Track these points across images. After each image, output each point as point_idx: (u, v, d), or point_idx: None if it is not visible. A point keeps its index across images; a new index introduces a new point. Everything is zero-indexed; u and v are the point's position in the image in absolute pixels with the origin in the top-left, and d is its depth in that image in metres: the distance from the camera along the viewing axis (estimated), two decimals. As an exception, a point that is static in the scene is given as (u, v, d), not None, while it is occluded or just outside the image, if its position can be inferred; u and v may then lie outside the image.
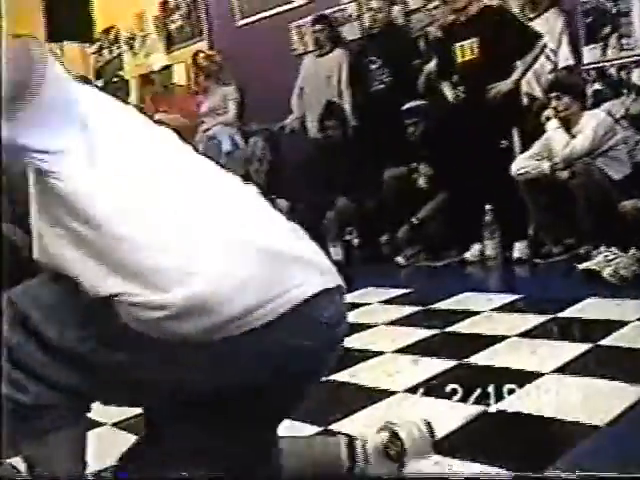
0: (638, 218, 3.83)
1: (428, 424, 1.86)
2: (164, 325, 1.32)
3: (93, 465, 1.63)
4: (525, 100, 5.00)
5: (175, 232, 1.35)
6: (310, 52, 6.34)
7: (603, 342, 2.75)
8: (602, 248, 3.87)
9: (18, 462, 1.60)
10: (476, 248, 4.80)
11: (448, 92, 4.92)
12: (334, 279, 1.49)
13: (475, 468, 1.88)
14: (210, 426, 1.52)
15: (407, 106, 5.21)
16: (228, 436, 1.53)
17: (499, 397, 2.30)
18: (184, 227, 1.36)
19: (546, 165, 4.44)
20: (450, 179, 4.88)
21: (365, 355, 2.84)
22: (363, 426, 2.15)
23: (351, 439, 1.80)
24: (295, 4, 6.70)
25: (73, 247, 1.36)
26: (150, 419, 1.62)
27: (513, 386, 2.37)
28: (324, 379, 2.01)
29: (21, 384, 1.38)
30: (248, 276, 1.35)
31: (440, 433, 2.07)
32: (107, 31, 8.43)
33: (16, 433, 1.41)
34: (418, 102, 5.23)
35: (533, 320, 3.17)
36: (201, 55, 6.68)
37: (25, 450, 1.48)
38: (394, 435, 1.81)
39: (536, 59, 4.73)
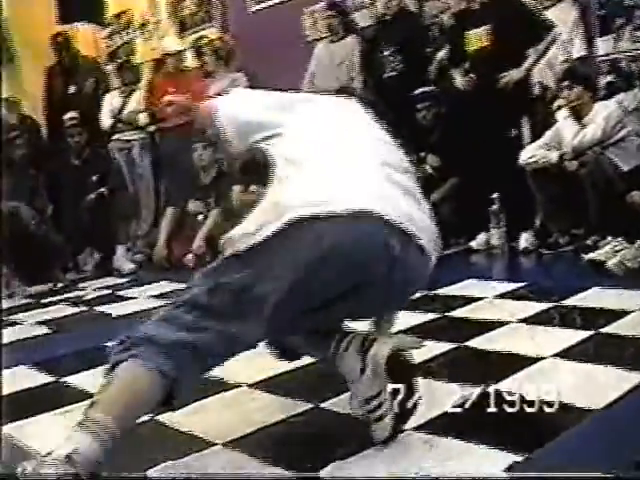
0: (646, 209, 3.79)
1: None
2: None
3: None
4: (537, 89, 4.96)
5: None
6: (322, 38, 6.30)
7: (604, 330, 2.71)
8: (609, 239, 3.84)
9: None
10: (482, 237, 4.78)
11: (459, 79, 4.88)
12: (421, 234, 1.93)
13: (464, 447, 1.86)
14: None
15: (420, 90, 5.20)
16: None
17: (497, 379, 2.27)
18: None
19: (554, 155, 4.39)
20: (459, 167, 4.84)
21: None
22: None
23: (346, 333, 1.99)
24: (308, -10, 6.68)
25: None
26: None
27: (511, 369, 2.36)
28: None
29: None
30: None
31: (436, 413, 2.07)
32: (119, 16, 8.43)
33: None
34: (430, 87, 5.21)
35: (535, 307, 3.13)
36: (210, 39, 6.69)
37: None
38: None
39: (548, 48, 4.69)
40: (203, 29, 7.50)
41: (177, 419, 2.20)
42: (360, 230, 1.80)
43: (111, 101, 6.79)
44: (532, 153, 4.49)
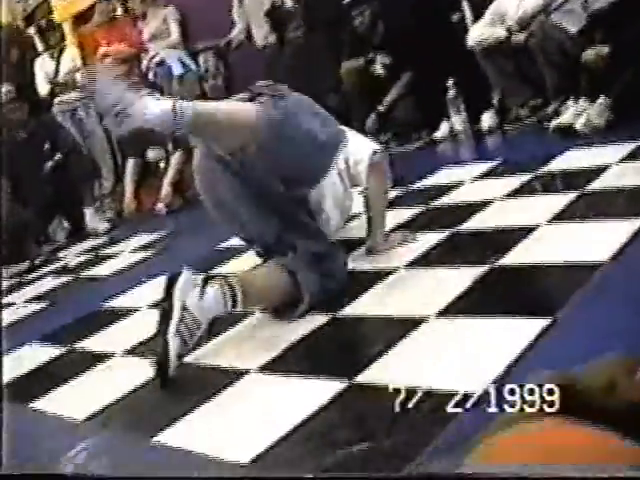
0: (601, 66, 3.81)
1: None
2: None
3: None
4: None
5: None
6: (244, -42, 6.14)
7: (589, 188, 2.77)
8: (570, 102, 3.88)
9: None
10: (445, 126, 4.79)
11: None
12: None
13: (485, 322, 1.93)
14: None
15: (348, -1, 5.07)
16: None
17: (501, 254, 2.33)
18: None
19: (501, 30, 4.39)
20: (409, 61, 4.82)
21: (361, 241, 2.83)
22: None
23: None
24: None
25: None
26: None
27: (511, 243, 2.41)
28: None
29: None
30: None
31: (451, 296, 2.13)
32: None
33: None
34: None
35: (515, 182, 3.17)
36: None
37: None
38: None
39: None
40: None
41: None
42: None
43: (42, 66, 6.61)
44: (479, 32, 4.47)
